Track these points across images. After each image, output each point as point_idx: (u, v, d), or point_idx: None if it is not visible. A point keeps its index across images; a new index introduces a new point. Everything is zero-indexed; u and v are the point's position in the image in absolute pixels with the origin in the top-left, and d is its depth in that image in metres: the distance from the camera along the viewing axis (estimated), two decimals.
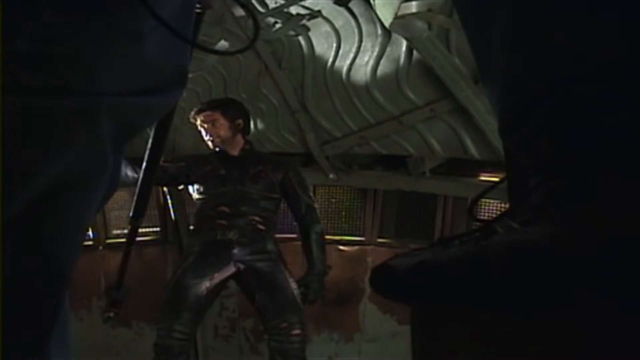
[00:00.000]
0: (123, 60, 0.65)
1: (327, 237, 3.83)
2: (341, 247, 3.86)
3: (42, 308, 0.64)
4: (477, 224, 0.65)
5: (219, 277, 2.83)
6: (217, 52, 2.88)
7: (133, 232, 2.48)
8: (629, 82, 0.53)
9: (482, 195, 0.77)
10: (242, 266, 2.85)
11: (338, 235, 3.89)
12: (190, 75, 0.90)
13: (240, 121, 2.98)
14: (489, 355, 0.57)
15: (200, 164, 2.98)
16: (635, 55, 0.52)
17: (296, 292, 2.82)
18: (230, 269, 2.86)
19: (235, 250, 2.84)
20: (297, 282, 2.87)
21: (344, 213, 3.90)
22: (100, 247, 3.95)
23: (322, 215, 3.87)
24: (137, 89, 0.68)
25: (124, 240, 3.79)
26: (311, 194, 3.17)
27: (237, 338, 4.00)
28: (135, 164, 2.36)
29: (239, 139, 3.00)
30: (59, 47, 0.59)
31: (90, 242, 3.92)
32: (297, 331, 2.73)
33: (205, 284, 2.78)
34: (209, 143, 2.95)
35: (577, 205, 0.53)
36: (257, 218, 2.91)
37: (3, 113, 0.56)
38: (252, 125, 3.50)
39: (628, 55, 0.53)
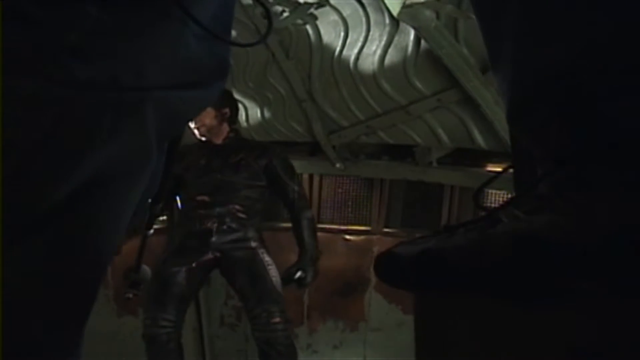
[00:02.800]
0: (169, 54, 0.66)
1: (334, 226, 3.85)
2: (347, 237, 3.86)
3: (80, 297, 0.66)
4: (482, 212, 0.65)
5: (197, 265, 2.84)
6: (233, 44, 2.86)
7: (152, 218, 2.59)
8: (639, 73, 0.52)
9: (487, 183, 0.77)
10: (218, 254, 2.86)
11: (344, 224, 3.88)
12: None
13: (226, 110, 2.96)
14: (491, 343, 0.57)
15: (182, 155, 2.95)
16: None
17: (275, 279, 2.81)
18: (208, 257, 2.86)
19: (213, 239, 2.84)
20: (290, 268, 2.86)
21: (350, 202, 3.89)
22: None
23: (328, 204, 3.88)
24: (182, 83, 0.69)
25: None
26: (299, 180, 3.14)
27: (243, 327, 4.02)
28: None
29: (225, 127, 2.98)
30: (109, 41, 0.60)
31: None
32: (276, 319, 2.72)
33: (184, 273, 2.79)
34: (195, 131, 2.92)
35: (582, 196, 0.53)
36: (237, 207, 2.89)
37: (52, 104, 0.57)
38: (259, 114, 3.50)
39: (639, 46, 0.52)
